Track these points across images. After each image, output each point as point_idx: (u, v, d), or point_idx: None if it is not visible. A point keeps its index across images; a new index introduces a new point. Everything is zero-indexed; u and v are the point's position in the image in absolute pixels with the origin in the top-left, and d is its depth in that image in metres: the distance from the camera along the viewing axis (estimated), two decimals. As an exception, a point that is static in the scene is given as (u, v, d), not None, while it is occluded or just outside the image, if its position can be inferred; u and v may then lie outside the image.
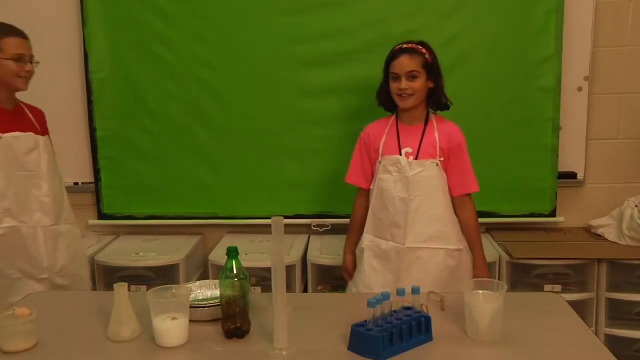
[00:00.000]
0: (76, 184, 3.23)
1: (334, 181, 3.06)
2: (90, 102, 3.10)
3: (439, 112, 2.36)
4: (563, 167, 3.03)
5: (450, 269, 2.27)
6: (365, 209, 2.40)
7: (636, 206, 2.88)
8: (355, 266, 2.47)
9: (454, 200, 2.31)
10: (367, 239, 2.36)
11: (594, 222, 3.06)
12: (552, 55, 2.91)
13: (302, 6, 2.97)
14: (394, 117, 2.35)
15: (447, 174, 2.28)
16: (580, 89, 3.00)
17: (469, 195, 2.32)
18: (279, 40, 2.99)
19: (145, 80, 3.07)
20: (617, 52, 3.01)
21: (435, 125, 2.28)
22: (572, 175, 3.07)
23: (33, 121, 2.41)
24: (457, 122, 3.05)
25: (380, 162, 2.30)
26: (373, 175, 2.38)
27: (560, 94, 2.95)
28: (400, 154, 2.27)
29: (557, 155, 2.99)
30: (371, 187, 2.37)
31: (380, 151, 2.31)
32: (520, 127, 2.98)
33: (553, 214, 3.05)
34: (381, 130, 2.34)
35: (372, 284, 2.32)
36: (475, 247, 2.33)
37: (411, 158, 2.25)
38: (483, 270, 2.34)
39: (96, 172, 3.17)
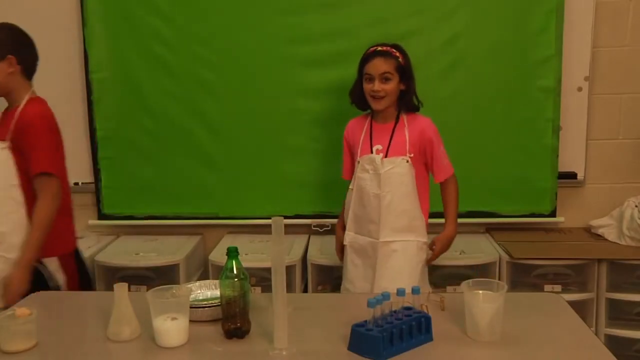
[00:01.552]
0: (76, 184, 3.22)
1: (334, 181, 3.05)
2: (90, 102, 3.11)
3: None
4: (563, 167, 3.03)
5: (422, 261, 2.37)
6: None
7: (636, 206, 2.88)
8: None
9: (440, 185, 2.40)
10: (349, 236, 2.44)
11: (594, 222, 3.06)
12: (552, 55, 2.91)
13: (302, 6, 2.97)
14: (370, 116, 2.44)
15: (427, 165, 2.37)
16: (580, 89, 3.00)
17: (450, 177, 2.40)
18: (279, 40, 2.99)
19: (145, 80, 3.07)
20: (617, 52, 3.01)
21: (405, 123, 2.36)
22: (572, 175, 3.07)
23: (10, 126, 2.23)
24: (457, 122, 3.06)
25: (358, 162, 2.39)
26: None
27: (560, 94, 2.95)
28: (372, 151, 2.35)
29: (557, 155, 2.99)
30: (350, 187, 2.44)
31: (359, 150, 2.39)
32: (520, 127, 2.98)
33: (553, 214, 3.05)
34: (359, 128, 2.44)
35: (354, 278, 2.43)
36: (450, 211, 2.41)
37: (381, 155, 2.33)
38: (441, 243, 2.39)
39: (96, 172, 3.17)
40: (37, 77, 3.12)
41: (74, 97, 3.14)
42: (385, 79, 2.29)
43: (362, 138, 2.40)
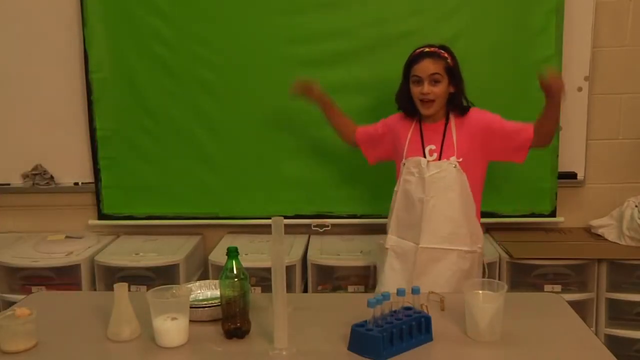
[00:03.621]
0: (76, 184, 3.23)
1: (334, 181, 3.06)
2: (90, 102, 3.10)
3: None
4: (563, 167, 3.03)
5: (462, 270, 2.26)
6: (350, 125, 2.55)
7: (636, 206, 2.88)
8: (313, 90, 2.55)
9: (533, 132, 2.26)
10: (391, 239, 2.37)
11: (594, 222, 3.06)
12: (552, 55, 2.91)
13: (302, 6, 2.97)
14: (417, 118, 2.34)
15: (509, 147, 2.28)
16: (580, 89, 3.00)
17: (531, 136, 2.26)
18: (279, 40, 2.99)
19: (145, 80, 3.07)
20: (617, 52, 3.01)
21: (454, 125, 2.28)
22: (572, 175, 3.07)
23: None
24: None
25: (404, 164, 2.31)
26: (376, 150, 2.47)
27: (560, 94, 2.95)
28: (424, 152, 2.28)
29: (557, 155, 2.99)
30: (395, 189, 2.37)
31: (405, 152, 2.31)
32: (520, 127, 2.98)
33: (553, 214, 3.05)
34: (405, 126, 2.35)
35: (390, 282, 2.32)
36: (541, 115, 2.25)
37: (434, 155, 2.26)
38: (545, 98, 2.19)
39: (96, 172, 3.17)
40: (37, 77, 3.14)
41: (74, 97, 3.14)
42: (434, 81, 2.21)
43: (409, 138, 2.32)
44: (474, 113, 2.30)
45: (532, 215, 3.06)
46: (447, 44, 2.89)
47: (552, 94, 2.14)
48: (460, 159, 2.24)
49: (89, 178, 3.20)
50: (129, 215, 3.19)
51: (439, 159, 2.25)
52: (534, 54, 2.92)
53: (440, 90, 2.22)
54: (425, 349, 1.58)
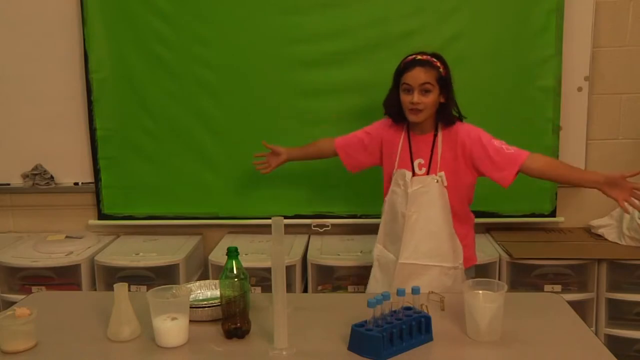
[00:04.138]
0: (76, 184, 3.23)
1: (334, 181, 3.06)
2: (90, 102, 3.10)
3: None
4: (563, 167, 3.03)
5: (445, 287, 2.18)
6: (323, 152, 2.52)
7: (636, 206, 2.88)
8: (280, 153, 2.54)
9: (529, 171, 2.17)
10: (377, 248, 2.36)
11: (594, 222, 3.06)
12: (552, 55, 2.91)
13: (302, 6, 2.97)
14: (405, 125, 2.29)
15: (494, 167, 2.17)
16: (580, 89, 3.00)
17: (523, 162, 2.16)
18: (279, 40, 2.99)
19: (145, 80, 3.07)
20: (617, 52, 3.01)
21: (441, 138, 2.22)
22: (572, 175, 3.07)
23: None
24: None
25: (394, 174, 2.27)
26: (356, 159, 2.42)
27: (560, 94, 2.95)
28: (412, 165, 2.23)
29: (557, 155, 2.99)
30: (385, 198, 2.33)
31: (396, 162, 2.26)
32: (520, 127, 2.97)
33: (553, 214, 3.05)
34: (396, 136, 2.29)
35: (372, 292, 2.31)
36: (572, 172, 2.18)
37: (423, 169, 2.21)
38: (594, 176, 2.12)
39: (96, 172, 3.17)
40: (37, 77, 3.14)
41: (74, 97, 3.14)
42: (425, 90, 2.14)
43: (400, 149, 2.26)
44: (465, 128, 2.22)
45: (532, 215, 3.07)
46: (447, 44, 2.91)
47: (614, 195, 2.04)
48: (444, 173, 2.19)
49: (89, 178, 3.20)
50: (129, 215, 3.19)
51: (427, 174, 2.21)
52: (534, 54, 2.92)
53: (430, 100, 2.15)
54: (425, 349, 1.58)
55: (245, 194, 3.14)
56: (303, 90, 3.02)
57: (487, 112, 2.97)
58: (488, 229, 3.16)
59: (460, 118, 2.26)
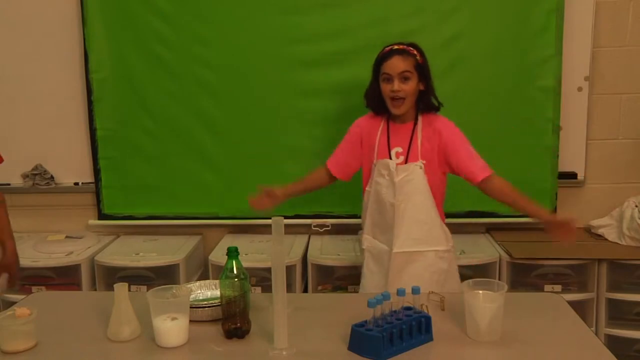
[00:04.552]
0: (76, 184, 3.23)
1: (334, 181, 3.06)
2: (90, 102, 3.10)
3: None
4: (563, 167, 3.03)
5: (442, 270, 2.25)
6: (317, 183, 2.47)
7: (636, 206, 2.88)
8: (276, 195, 2.43)
9: (479, 186, 2.22)
10: (367, 240, 2.36)
11: (594, 222, 3.06)
12: (552, 55, 2.91)
13: (302, 6, 2.97)
14: (385, 117, 2.31)
15: (457, 167, 2.23)
16: (580, 89, 3.00)
17: (489, 176, 2.21)
18: (279, 40, 2.99)
19: (145, 80, 3.07)
20: (617, 52, 3.01)
21: (421, 126, 2.25)
22: (572, 175, 3.07)
23: None
24: (457, 122, 3.05)
25: (375, 165, 2.29)
26: (351, 167, 2.40)
27: (560, 94, 2.95)
28: (390, 154, 2.25)
29: (557, 155, 2.99)
30: (367, 188, 2.35)
31: (375, 153, 2.29)
32: (520, 127, 2.98)
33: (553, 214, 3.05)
34: (374, 127, 2.32)
35: (370, 285, 2.33)
36: (522, 201, 2.23)
37: (401, 158, 2.24)
38: (543, 212, 2.23)
39: (96, 172, 3.17)
40: (37, 77, 3.14)
41: (74, 97, 3.14)
42: (404, 78, 2.18)
43: (378, 139, 2.28)
44: (445, 122, 2.25)
45: (532, 215, 3.06)
46: (447, 44, 2.92)
47: (553, 234, 2.11)
48: (424, 161, 2.22)
49: (89, 178, 3.20)
50: (129, 215, 3.19)
51: (406, 162, 2.23)
52: (534, 54, 2.92)
53: (410, 87, 2.19)
54: (425, 349, 1.58)
55: (245, 194, 3.12)
56: (303, 90, 3.02)
57: (487, 112, 2.98)
58: (488, 229, 3.16)
59: (439, 107, 2.28)
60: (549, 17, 2.89)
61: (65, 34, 3.10)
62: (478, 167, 2.21)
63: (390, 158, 2.25)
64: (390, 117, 2.30)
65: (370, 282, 2.33)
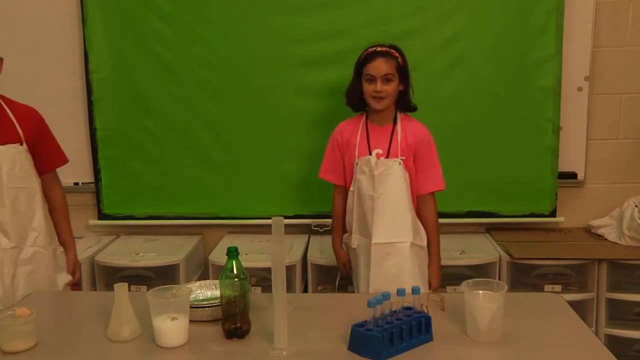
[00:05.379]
0: (76, 184, 3.23)
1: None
2: (90, 102, 3.10)
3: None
4: (563, 167, 3.03)
5: (420, 266, 2.32)
6: (344, 204, 2.47)
7: (636, 206, 2.88)
8: (348, 256, 2.52)
9: (417, 198, 2.37)
10: (356, 238, 2.40)
11: (594, 222, 3.06)
12: (552, 55, 2.91)
13: (302, 6, 2.97)
14: (364, 118, 2.40)
15: (415, 173, 2.34)
16: (580, 89, 3.00)
17: (432, 193, 2.37)
18: (279, 40, 2.99)
19: (145, 80, 3.07)
20: (617, 52, 3.01)
21: (401, 126, 2.34)
22: (572, 175, 3.07)
23: (14, 126, 2.21)
24: (457, 121, 3.06)
25: (357, 164, 2.35)
26: (345, 172, 2.45)
27: (560, 94, 2.95)
28: (370, 155, 2.33)
29: (557, 155, 2.99)
30: (351, 189, 2.40)
31: (356, 153, 2.36)
32: (520, 127, 2.98)
33: (553, 214, 3.05)
34: (353, 130, 2.40)
35: (365, 284, 2.37)
36: (432, 249, 2.38)
37: (382, 159, 2.31)
38: (435, 276, 2.39)
39: (96, 172, 3.17)
40: (37, 77, 3.14)
41: (74, 97, 3.14)
42: (387, 79, 2.28)
43: (358, 140, 2.37)
44: (421, 127, 2.36)
45: (532, 215, 3.06)
46: (447, 44, 2.92)
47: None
48: (404, 157, 2.30)
49: (89, 178, 3.20)
50: (129, 215, 3.19)
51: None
52: (534, 54, 2.92)
53: (391, 88, 2.29)
54: (425, 349, 1.58)
55: (245, 194, 3.14)
56: (303, 90, 3.02)
57: (487, 112, 2.99)
58: (488, 229, 3.16)
59: (415, 108, 2.38)
60: (549, 17, 2.89)
61: (65, 34, 3.10)
62: (430, 179, 2.35)
63: None
64: (368, 119, 2.39)
65: (364, 278, 2.36)
